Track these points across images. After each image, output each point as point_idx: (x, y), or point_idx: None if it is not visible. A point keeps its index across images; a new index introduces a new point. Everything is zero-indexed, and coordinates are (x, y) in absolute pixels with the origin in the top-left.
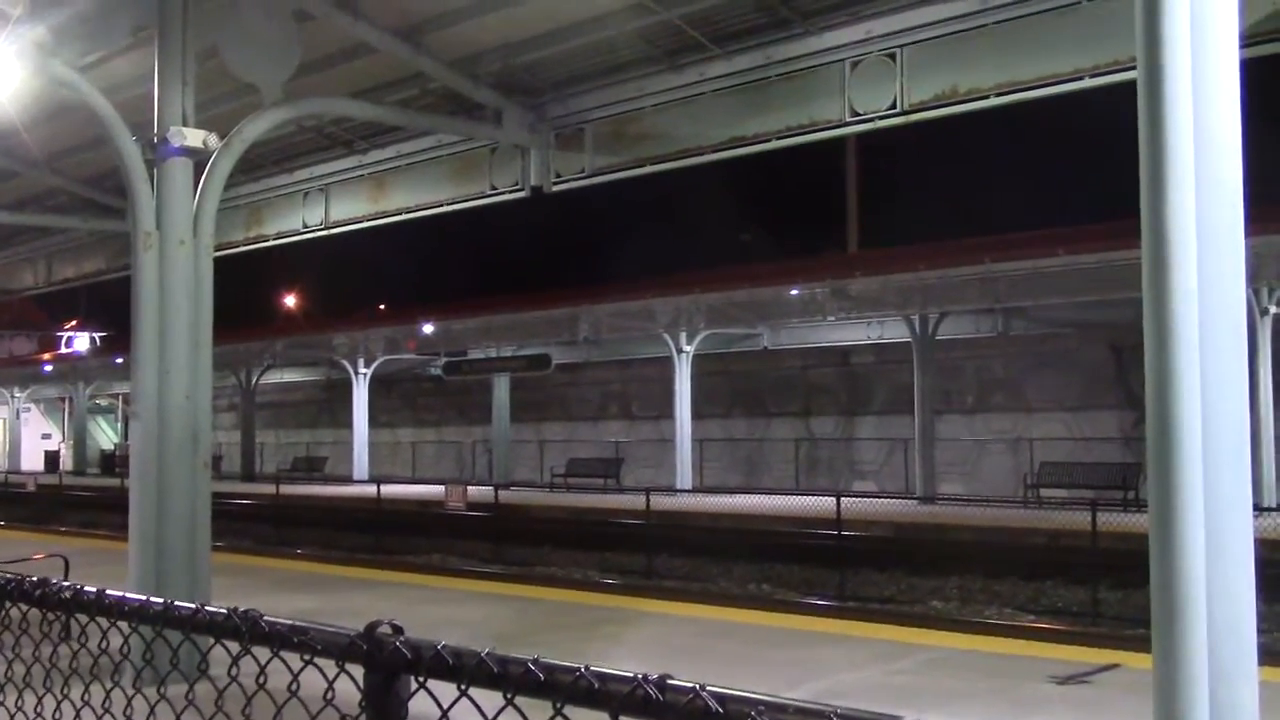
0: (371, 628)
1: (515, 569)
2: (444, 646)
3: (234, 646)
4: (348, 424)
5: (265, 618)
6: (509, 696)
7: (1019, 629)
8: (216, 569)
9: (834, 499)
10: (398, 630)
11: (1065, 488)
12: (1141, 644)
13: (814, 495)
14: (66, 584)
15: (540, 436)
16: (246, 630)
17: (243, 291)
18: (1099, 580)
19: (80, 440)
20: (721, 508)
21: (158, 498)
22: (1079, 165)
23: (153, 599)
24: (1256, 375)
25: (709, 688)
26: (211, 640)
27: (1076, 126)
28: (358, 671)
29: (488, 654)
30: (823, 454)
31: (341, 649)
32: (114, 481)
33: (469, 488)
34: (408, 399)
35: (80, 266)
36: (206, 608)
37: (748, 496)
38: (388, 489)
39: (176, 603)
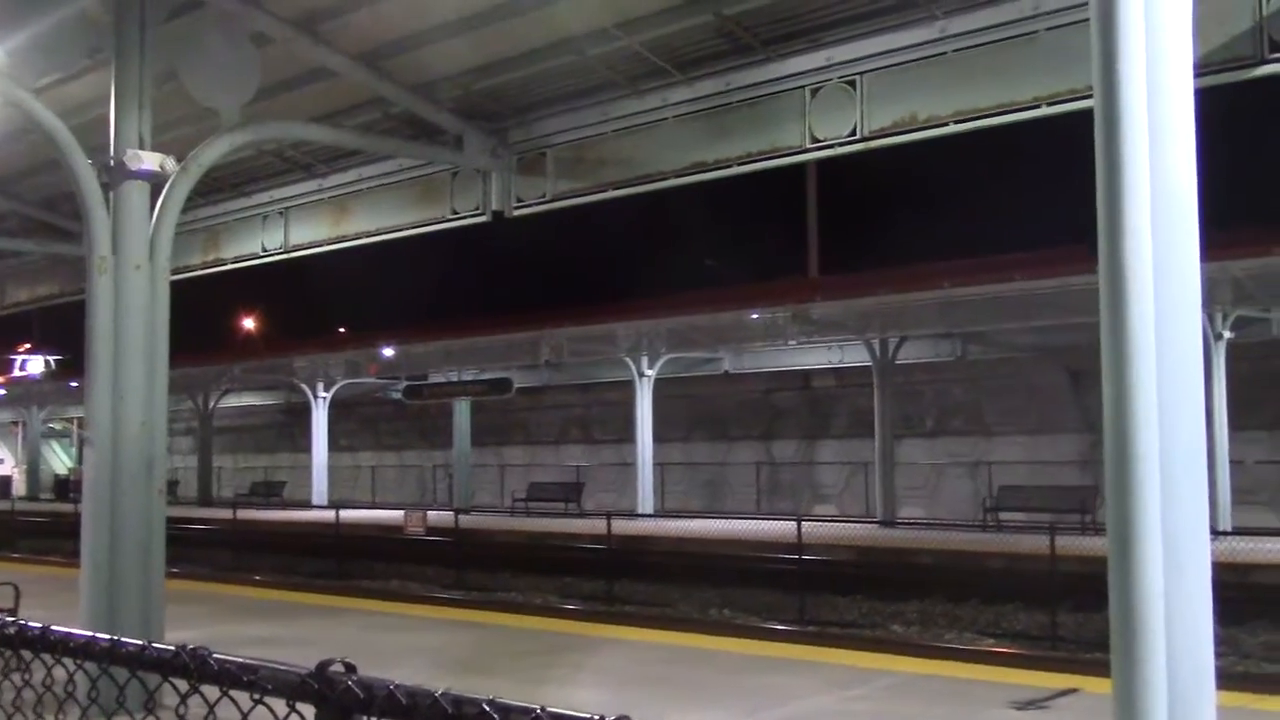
0: (323, 666)
1: (475, 595)
2: (397, 686)
3: (183, 684)
4: (307, 448)
5: (214, 655)
6: None
7: (979, 654)
8: (172, 596)
9: (795, 522)
10: (350, 668)
11: (1023, 511)
12: (1100, 668)
13: (775, 519)
14: (10, 619)
15: (501, 461)
16: (195, 668)
17: (201, 314)
18: (1058, 604)
19: (34, 465)
20: (683, 532)
21: (111, 526)
22: (1038, 190)
23: (99, 635)
24: (1211, 400)
25: None
26: (159, 678)
27: (1037, 151)
28: (310, 710)
29: (442, 694)
30: (784, 477)
31: (292, 688)
32: (68, 507)
33: (429, 512)
34: (368, 423)
35: (34, 290)
36: (154, 644)
37: (709, 520)
38: (347, 514)
39: (123, 639)
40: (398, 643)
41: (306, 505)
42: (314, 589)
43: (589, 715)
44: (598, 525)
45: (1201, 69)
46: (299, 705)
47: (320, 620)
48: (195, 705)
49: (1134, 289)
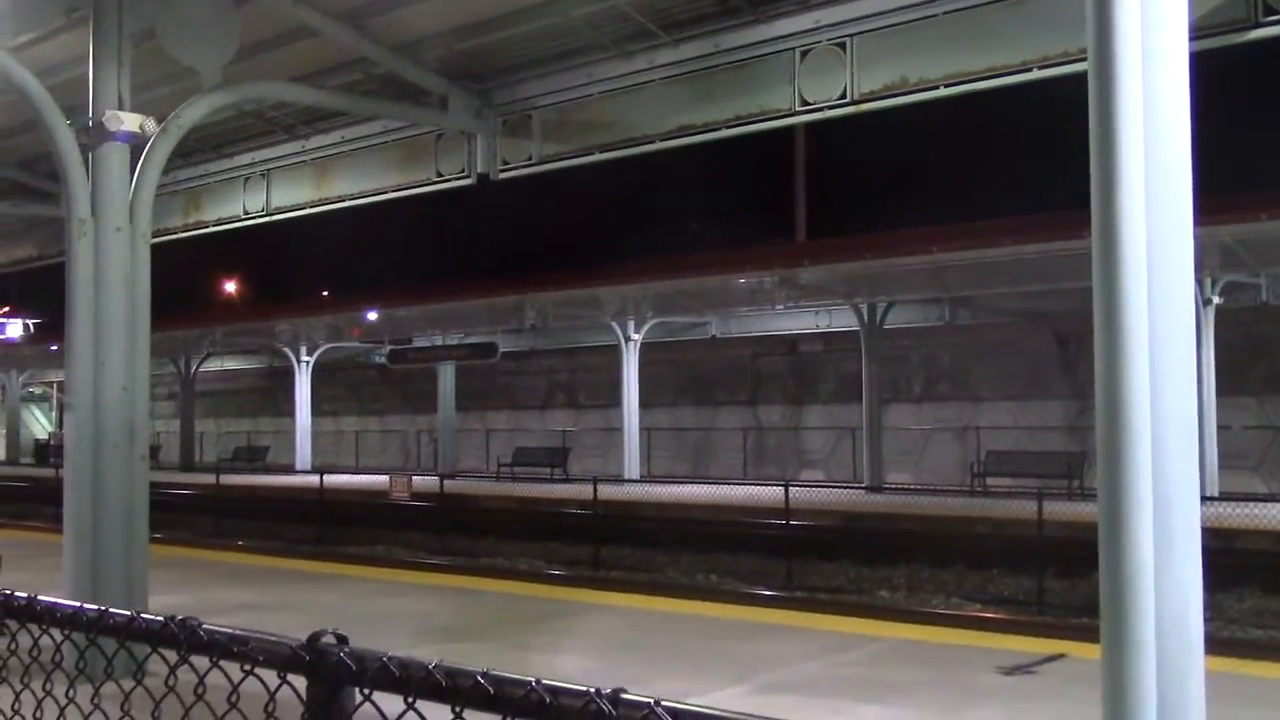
0: (315, 638)
1: (460, 560)
2: (390, 658)
3: (172, 654)
4: (290, 413)
5: (204, 626)
6: (457, 710)
7: (966, 619)
8: (155, 562)
9: (782, 488)
10: (342, 640)
11: (1011, 476)
12: (1086, 634)
13: (762, 484)
14: None
15: (486, 425)
16: (184, 639)
17: (183, 277)
18: (1044, 569)
19: (13, 429)
20: (669, 497)
21: (93, 493)
22: (1033, 155)
23: (86, 605)
24: (1199, 366)
25: (664, 703)
26: (148, 648)
27: (1031, 115)
28: (300, 681)
29: (435, 665)
30: (770, 442)
31: (284, 660)
32: (48, 471)
33: (414, 478)
34: (351, 387)
35: (11, 253)
36: (143, 615)
37: (695, 486)
38: (331, 479)
39: (111, 610)
40: (382, 608)
41: (290, 470)
42: (298, 555)
43: (584, 688)
44: (584, 490)
45: (1196, 32)
46: (290, 677)
47: (304, 586)
48: (184, 674)
49: (1127, 254)
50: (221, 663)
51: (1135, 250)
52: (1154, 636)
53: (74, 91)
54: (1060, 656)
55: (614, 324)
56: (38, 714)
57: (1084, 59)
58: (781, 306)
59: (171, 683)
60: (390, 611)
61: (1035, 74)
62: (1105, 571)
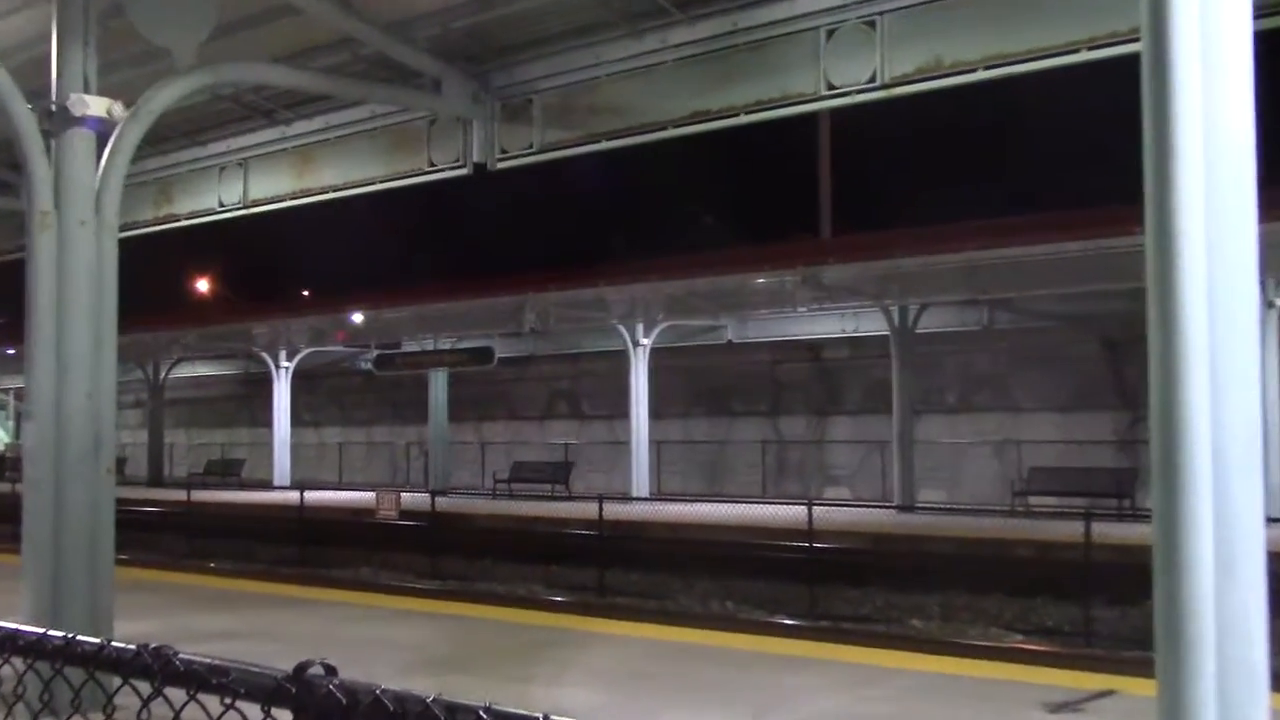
0: (301, 668)
1: (454, 584)
2: (384, 690)
3: (144, 686)
4: (267, 423)
5: (180, 655)
6: None
7: (1006, 651)
8: (122, 585)
9: (805, 507)
10: (331, 670)
11: (1056, 495)
12: (1138, 668)
13: (783, 503)
14: None
15: (481, 437)
16: (159, 669)
17: (152, 275)
18: (1093, 597)
19: None
20: (681, 516)
21: (55, 508)
22: (1075, 146)
23: (51, 632)
24: (1264, 374)
25: None
26: (119, 680)
27: (1070, 103)
28: (285, 715)
29: (434, 699)
30: (792, 457)
31: (268, 692)
32: (4, 486)
33: (403, 494)
34: (335, 396)
35: None
36: (113, 644)
37: (710, 504)
38: (312, 495)
39: (79, 637)
40: (369, 636)
41: (267, 486)
42: (276, 578)
43: None
44: (588, 509)
45: (1260, 11)
46: (274, 711)
47: (283, 612)
48: (158, 708)
49: (1184, 252)
50: (199, 695)
51: (1193, 247)
52: (1214, 669)
53: (36, 73)
54: (1111, 693)
55: (621, 327)
56: None
57: (1137, 39)
58: (804, 309)
59: (144, 717)
60: (378, 640)
61: (1083, 56)
62: (1161, 599)
